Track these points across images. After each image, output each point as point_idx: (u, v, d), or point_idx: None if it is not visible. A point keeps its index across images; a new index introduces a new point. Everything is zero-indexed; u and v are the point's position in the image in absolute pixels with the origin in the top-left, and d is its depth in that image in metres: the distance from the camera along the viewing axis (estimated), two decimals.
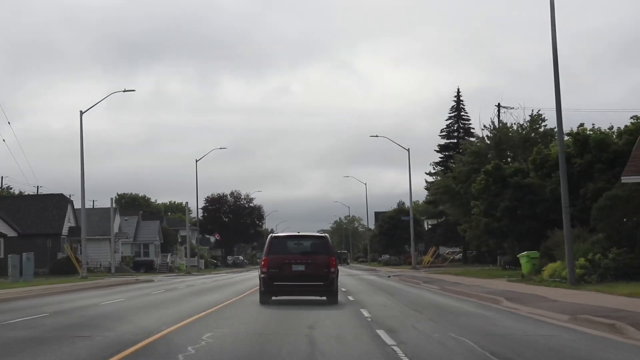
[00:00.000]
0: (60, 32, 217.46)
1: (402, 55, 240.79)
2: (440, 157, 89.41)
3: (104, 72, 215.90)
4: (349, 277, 59.22)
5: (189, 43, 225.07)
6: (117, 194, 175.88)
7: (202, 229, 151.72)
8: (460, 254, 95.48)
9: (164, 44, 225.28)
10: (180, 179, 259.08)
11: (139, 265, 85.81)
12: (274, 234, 26.37)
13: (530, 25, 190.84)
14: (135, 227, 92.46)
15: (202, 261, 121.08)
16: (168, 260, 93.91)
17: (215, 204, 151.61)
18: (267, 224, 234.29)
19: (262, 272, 24.10)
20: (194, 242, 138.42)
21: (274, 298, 24.75)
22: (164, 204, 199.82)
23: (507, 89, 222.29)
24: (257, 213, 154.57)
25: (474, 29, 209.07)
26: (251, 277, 59.02)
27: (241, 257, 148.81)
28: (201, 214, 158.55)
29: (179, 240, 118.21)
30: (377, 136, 76.11)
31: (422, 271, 69.98)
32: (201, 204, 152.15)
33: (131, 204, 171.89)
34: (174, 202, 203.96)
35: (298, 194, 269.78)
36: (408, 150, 75.61)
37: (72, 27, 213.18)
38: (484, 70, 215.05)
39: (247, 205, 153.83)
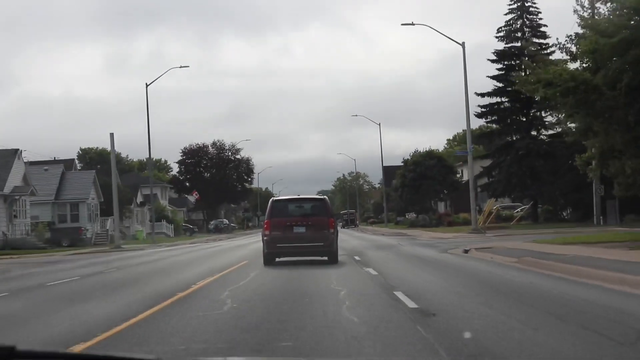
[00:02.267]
0: None
1: (405, 14, 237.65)
2: (499, 68, 61.01)
3: (103, 35, 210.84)
4: (380, 251, 31.55)
5: (188, 3, 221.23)
6: (80, 149, 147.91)
7: (178, 186, 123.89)
8: (519, 210, 67.20)
9: (163, 4, 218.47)
10: (175, 138, 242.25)
11: (60, 236, 57.91)
12: (275, 198, 27.56)
13: None
14: (58, 181, 64.16)
15: (171, 227, 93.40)
16: (108, 227, 65.71)
17: (194, 156, 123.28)
18: (262, 183, 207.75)
19: (264, 235, 24.59)
20: (164, 202, 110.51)
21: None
22: (140, 161, 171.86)
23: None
24: (244, 166, 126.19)
25: None
26: (215, 253, 32.77)
27: (226, 221, 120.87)
28: (177, 169, 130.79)
29: (139, 200, 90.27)
30: (412, 24, 47.88)
31: (492, 236, 42.58)
32: (177, 157, 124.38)
33: (97, 161, 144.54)
34: (152, 158, 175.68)
35: (299, 156, 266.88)
36: (463, 44, 47.71)
37: None
38: (488, 25, 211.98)
39: (232, 158, 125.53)
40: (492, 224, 59.36)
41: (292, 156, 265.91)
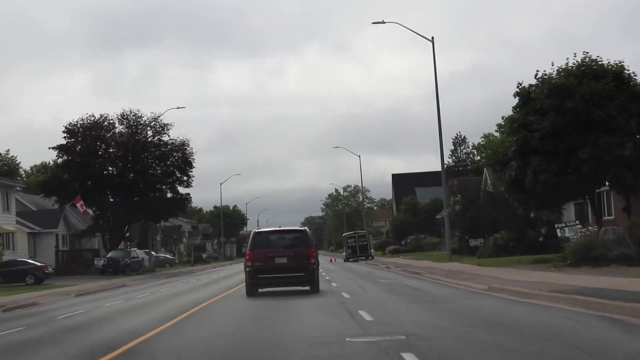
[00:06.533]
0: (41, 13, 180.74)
1: (397, 37, 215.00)
2: None
3: (91, 58, 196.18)
4: None
5: (178, 26, 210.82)
6: None
7: (51, 189, 68.58)
8: None
9: (152, 26, 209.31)
10: None
11: None
12: (256, 230, 28.25)
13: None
14: None
15: None
16: None
17: (85, 137, 67.55)
18: (241, 206, 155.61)
19: (247, 266, 25.37)
20: None
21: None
22: (36, 166, 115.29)
23: (507, 65, 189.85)
24: (179, 155, 70.32)
25: (468, 7, 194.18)
26: None
27: (136, 252, 64.87)
28: (55, 156, 74.61)
29: None
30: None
31: None
32: (63, 139, 68.09)
33: None
34: (46, 162, 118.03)
35: (287, 184, 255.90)
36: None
37: (53, 7, 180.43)
38: (478, 48, 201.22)
39: (157, 141, 70.20)
40: None
41: (281, 185, 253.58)
